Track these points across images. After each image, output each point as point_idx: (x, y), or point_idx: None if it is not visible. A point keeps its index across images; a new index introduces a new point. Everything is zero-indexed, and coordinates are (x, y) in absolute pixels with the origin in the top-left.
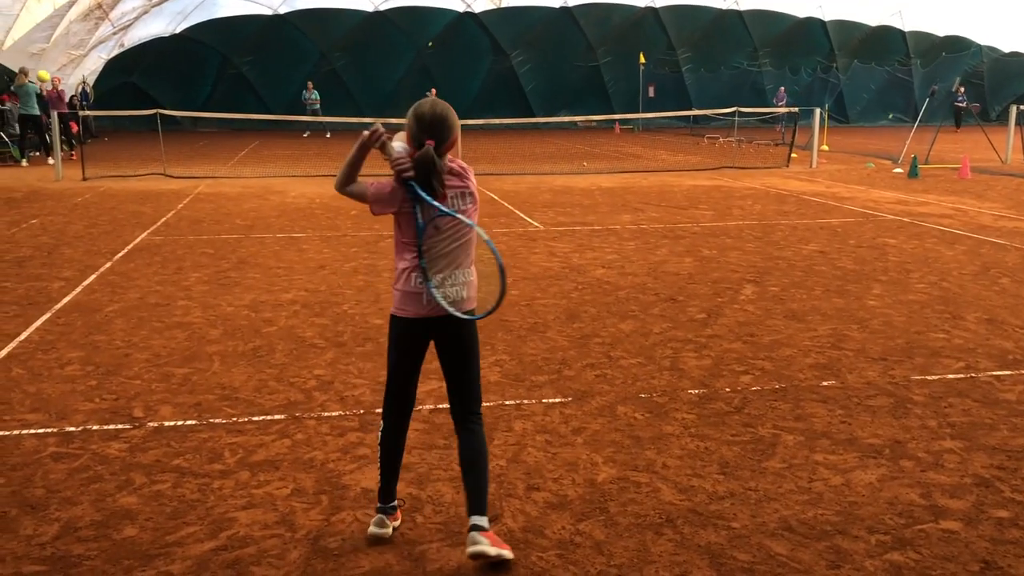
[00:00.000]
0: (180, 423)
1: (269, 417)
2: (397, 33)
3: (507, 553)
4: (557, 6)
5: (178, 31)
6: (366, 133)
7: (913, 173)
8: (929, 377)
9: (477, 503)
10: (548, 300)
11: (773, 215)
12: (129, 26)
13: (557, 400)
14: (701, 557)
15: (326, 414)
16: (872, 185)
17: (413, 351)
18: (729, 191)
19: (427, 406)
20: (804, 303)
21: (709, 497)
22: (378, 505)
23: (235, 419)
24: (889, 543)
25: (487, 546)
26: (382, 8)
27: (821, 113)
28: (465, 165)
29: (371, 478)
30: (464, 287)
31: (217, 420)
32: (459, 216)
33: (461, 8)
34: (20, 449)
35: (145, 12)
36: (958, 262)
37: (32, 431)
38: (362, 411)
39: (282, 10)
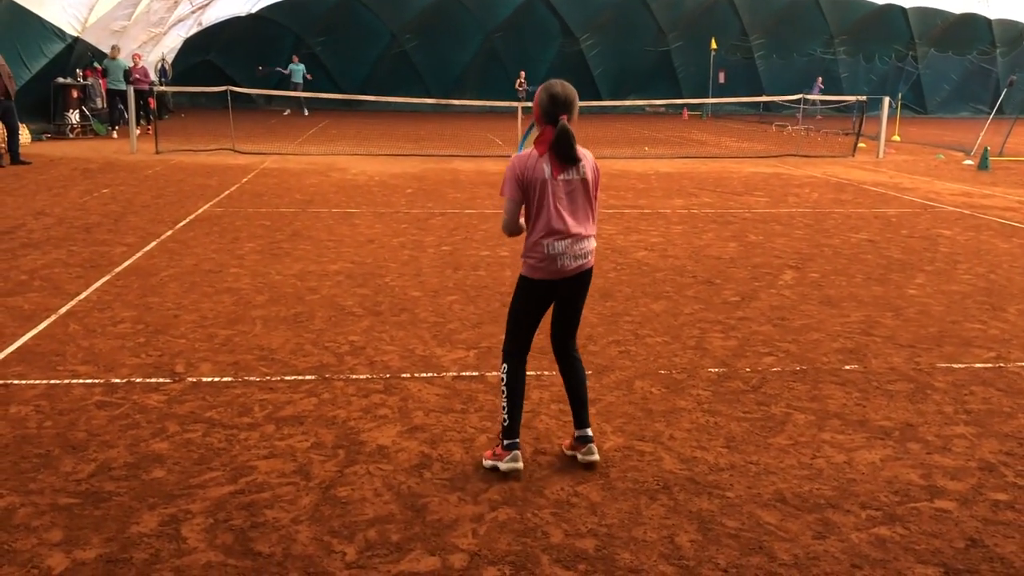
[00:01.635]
0: (217, 379)
1: (300, 377)
2: (467, 15)
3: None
4: None
5: (254, 11)
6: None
7: (983, 165)
8: (955, 365)
9: (582, 417)
10: None
11: (828, 204)
12: (207, 5)
13: None
14: (690, 522)
15: (354, 376)
16: (938, 176)
17: (542, 305)
18: (788, 179)
19: (450, 373)
20: (842, 290)
21: (709, 468)
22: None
23: (268, 378)
24: (879, 518)
25: (597, 455)
26: None
27: (891, 103)
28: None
29: (388, 436)
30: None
31: (252, 378)
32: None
33: None
34: (69, 396)
35: None
36: (1012, 255)
37: (81, 381)
38: (388, 375)
39: None
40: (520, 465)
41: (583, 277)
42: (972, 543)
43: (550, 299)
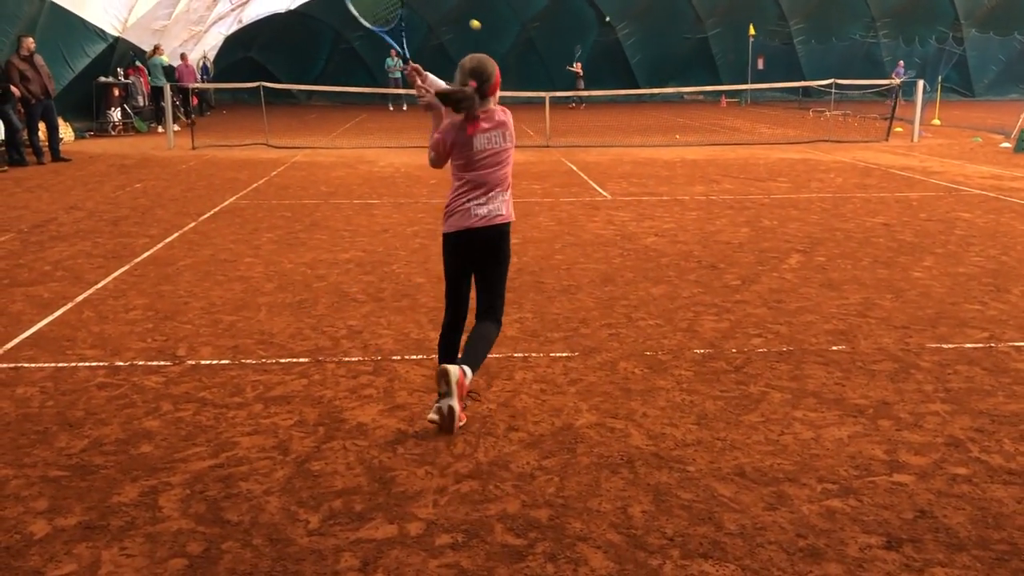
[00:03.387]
0: (215, 362)
1: (295, 360)
2: (503, 7)
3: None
4: None
5: (293, 7)
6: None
7: (1020, 147)
8: (945, 346)
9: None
10: (589, 265)
11: (851, 188)
12: (247, 3)
13: (564, 355)
14: (646, 494)
15: (347, 359)
16: (971, 160)
17: (462, 261)
18: (815, 164)
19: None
20: (846, 273)
21: (676, 444)
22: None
23: (264, 360)
24: (834, 491)
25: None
26: None
27: (927, 86)
28: (507, 111)
29: (368, 414)
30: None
31: (248, 361)
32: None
33: None
34: (73, 378)
35: None
36: None
37: (87, 364)
38: (379, 358)
39: None
40: (434, 416)
41: (496, 233)
42: (921, 514)
43: (469, 257)
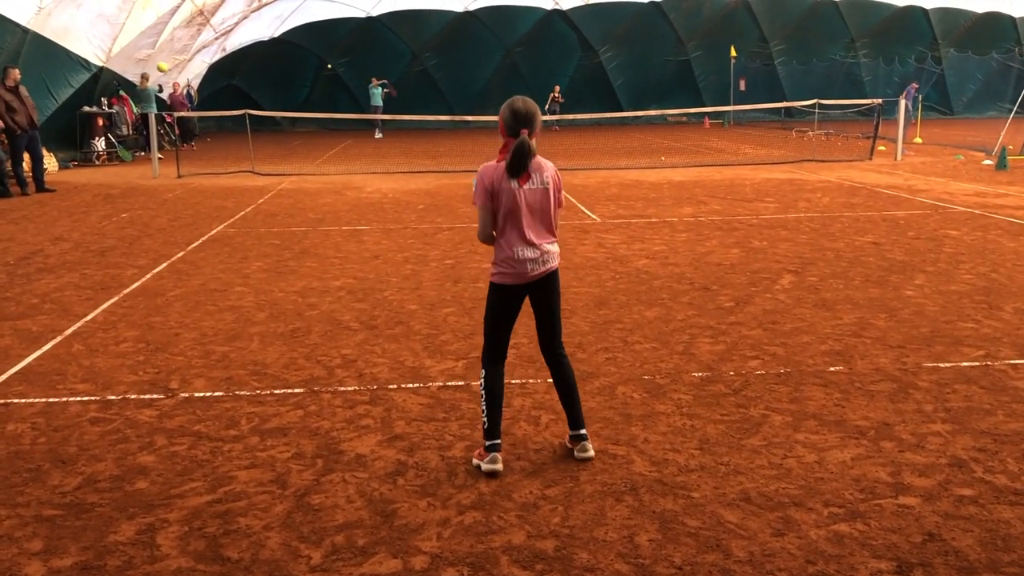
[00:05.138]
0: (209, 394)
1: (290, 390)
2: (486, 32)
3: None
4: (646, 0)
5: (277, 35)
6: None
7: (1002, 165)
8: (942, 365)
9: (575, 418)
10: (582, 288)
11: (839, 208)
12: (230, 31)
13: None
14: (652, 522)
15: (342, 388)
16: (955, 177)
17: (512, 310)
18: (801, 184)
19: (436, 383)
20: (838, 293)
21: (679, 469)
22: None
23: (259, 392)
24: (841, 515)
25: (591, 451)
26: (471, 8)
27: (907, 105)
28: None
29: (367, 445)
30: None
31: (242, 392)
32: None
33: (549, 6)
34: (65, 414)
35: (245, 17)
36: (1017, 253)
37: (78, 398)
38: (375, 387)
39: (375, 12)
40: (498, 467)
41: (548, 279)
42: (930, 537)
43: (519, 304)
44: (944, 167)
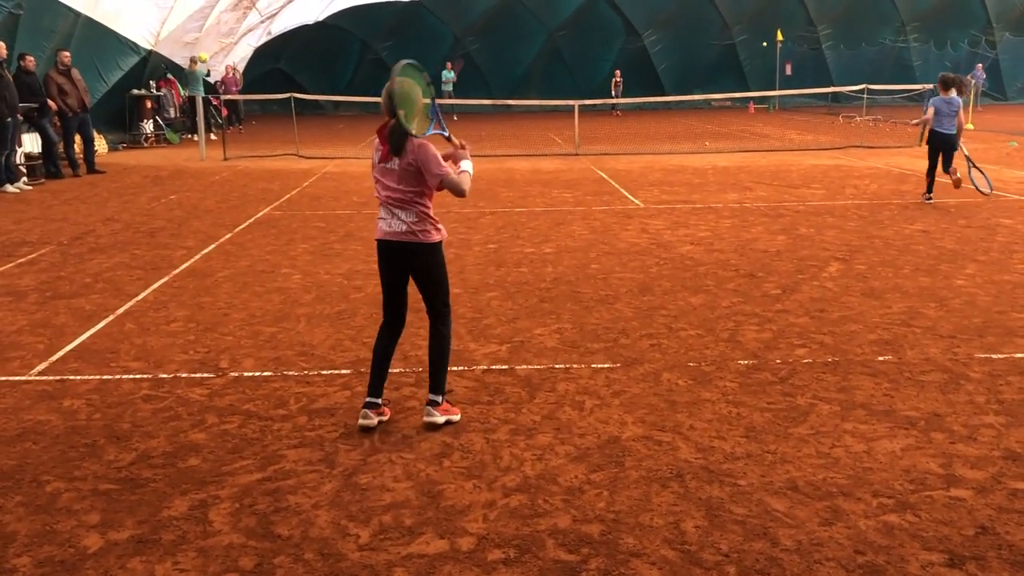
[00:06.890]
0: (258, 374)
1: (337, 371)
2: (529, 16)
3: (455, 417)
4: None
5: (321, 19)
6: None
7: None
8: (994, 356)
9: (433, 383)
10: (626, 274)
11: (887, 195)
12: (275, 15)
13: (606, 365)
14: (698, 509)
15: (388, 370)
16: (1007, 165)
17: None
18: (849, 170)
19: (481, 366)
20: (887, 281)
21: (725, 457)
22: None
23: (306, 372)
24: (890, 506)
25: (437, 417)
26: None
27: (977, 83)
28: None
29: (412, 426)
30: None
31: (291, 372)
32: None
33: None
34: (118, 391)
35: (290, 1)
36: None
37: (131, 376)
38: (420, 369)
39: None
40: (366, 422)
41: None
42: (982, 530)
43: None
44: (997, 154)
